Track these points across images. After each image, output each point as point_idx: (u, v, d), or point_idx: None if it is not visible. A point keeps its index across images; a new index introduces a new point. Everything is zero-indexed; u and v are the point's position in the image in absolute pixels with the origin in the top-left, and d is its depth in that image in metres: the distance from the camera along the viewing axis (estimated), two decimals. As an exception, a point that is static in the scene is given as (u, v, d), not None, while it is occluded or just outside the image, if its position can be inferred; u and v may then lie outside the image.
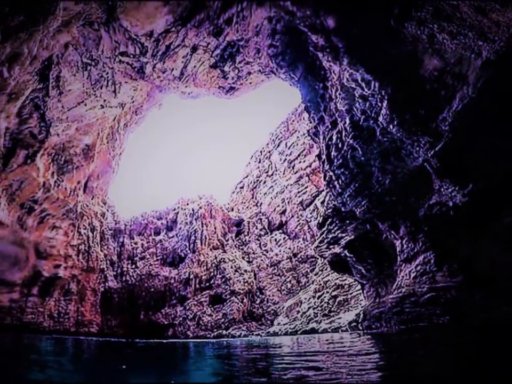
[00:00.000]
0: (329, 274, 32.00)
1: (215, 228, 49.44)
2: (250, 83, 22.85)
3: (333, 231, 18.00)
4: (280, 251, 43.55)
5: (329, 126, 16.11)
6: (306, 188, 44.78)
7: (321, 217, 19.46)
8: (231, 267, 43.25)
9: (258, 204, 53.80)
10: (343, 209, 16.04)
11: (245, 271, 42.98)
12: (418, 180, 11.43)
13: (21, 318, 25.69)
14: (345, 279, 28.72)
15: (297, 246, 42.31)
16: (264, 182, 54.93)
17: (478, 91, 8.21)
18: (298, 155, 47.93)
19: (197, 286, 42.82)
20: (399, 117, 10.88)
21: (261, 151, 60.55)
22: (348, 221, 16.62)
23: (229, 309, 38.72)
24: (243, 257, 46.47)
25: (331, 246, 18.71)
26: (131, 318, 41.97)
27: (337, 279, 30.08)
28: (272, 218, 49.31)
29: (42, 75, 15.18)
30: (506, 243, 8.57)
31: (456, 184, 9.63)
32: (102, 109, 21.84)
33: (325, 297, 29.75)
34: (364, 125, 13.15)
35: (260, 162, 58.99)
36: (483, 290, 9.14)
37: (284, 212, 47.63)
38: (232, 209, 57.17)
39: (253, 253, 46.35)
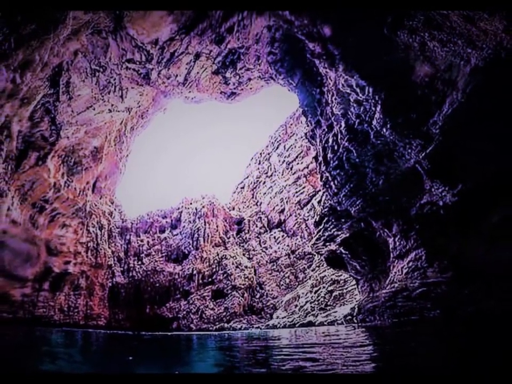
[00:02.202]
0: (325, 270, 31.97)
1: (217, 226, 49.39)
2: (251, 88, 22.83)
3: (329, 229, 17.99)
4: (279, 248, 43.52)
5: (326, 129, 16.11)
6: (303, 188, 44.72)
7: (318, 216, 19.45)
8: (232, 263, 43.21)
9: (258, 203, 53.75)
10: (338, 208, 16.03)
11: (246, 267, 42.94)
12: (410, 181, 11.42)
13: (32, 312, 25.67)
14: (341, 275, 28.70)
15: (295, 243, 42.26)
16: (264, 183, 54.87)
17: (467, 96, 8.20)
18: (296, 157, 47.87)
19: (200, 281, 42.79)
20: (392, 121, 10.87)
21: (260, 153, 60.47)
22: (343, 220, 16.61)
23: (230, 303, 38.69)
24: (244, 254, 46.42)
25: (327, 243, 18.71)
26: (137, 312, 41.94)
27: (333, 274, 30.05)
28: (272, 217, 49.25)
29: (53, 81, 15.16)
30: (493, 241, 8.57)
31: (446, 184, 9.62)
32: (110, 113, 21.81)
33: (321, 292, 29.73)
34: (359, 128, 13.14)
35: (259, 163, 58.92)
36: (471, 286, 9.13)
37: (282, 211, 47.58)
38: (233, 208, 57.12)
39: (253, 250, 46.30)
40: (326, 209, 18.08)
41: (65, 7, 12.19)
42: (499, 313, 7.75)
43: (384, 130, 11.25)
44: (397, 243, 12.83)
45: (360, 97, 12.25)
